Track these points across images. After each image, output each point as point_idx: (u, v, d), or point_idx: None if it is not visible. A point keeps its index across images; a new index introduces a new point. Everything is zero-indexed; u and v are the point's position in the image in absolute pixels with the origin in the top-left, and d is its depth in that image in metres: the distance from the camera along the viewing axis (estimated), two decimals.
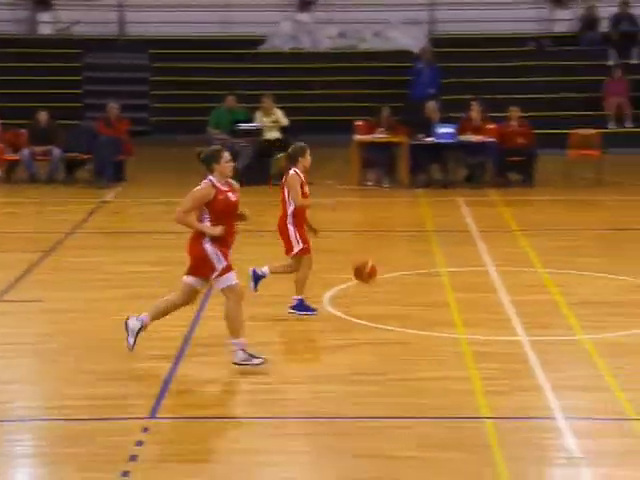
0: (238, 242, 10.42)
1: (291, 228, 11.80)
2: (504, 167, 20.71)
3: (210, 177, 10.17)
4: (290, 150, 12.15)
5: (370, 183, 20.78)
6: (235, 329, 10.12)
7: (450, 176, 20.81)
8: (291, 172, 11.90)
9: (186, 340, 11.06)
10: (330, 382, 9.92)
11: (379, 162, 20.99)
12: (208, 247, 10.08)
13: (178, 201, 10.23)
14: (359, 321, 11.67)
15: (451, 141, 20.46)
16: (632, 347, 10.88)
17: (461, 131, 20.59)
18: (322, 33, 27.74)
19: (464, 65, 26.01)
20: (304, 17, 28.00)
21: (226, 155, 10.21)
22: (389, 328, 11.46)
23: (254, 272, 12.07)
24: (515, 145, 20.60)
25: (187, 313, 11.72)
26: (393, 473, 7.96)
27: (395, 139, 20.87)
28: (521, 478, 8.02)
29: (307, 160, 11.99)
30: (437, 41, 27.01)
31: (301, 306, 11.90)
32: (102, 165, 21.10)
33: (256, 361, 10.13)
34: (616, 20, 25.89)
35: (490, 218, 17.75)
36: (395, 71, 25.94)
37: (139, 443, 8.37)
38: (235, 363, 10.14)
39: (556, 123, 23.15)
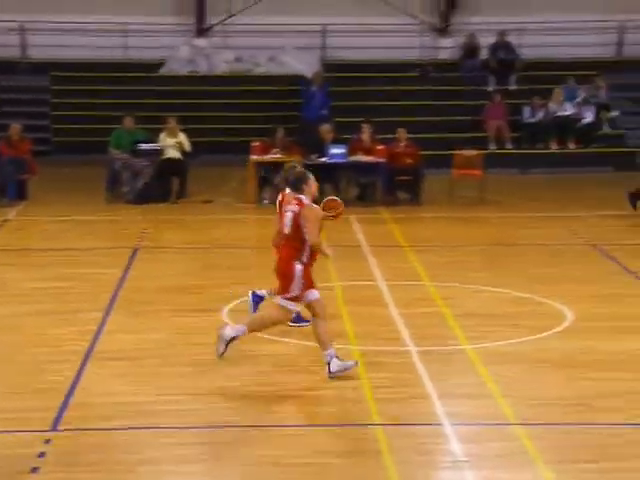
0: (144, 259, 10.35)
1: (299, 269, 11.35)
2: (393, 186, 20.90)
3: (302, 197, 10.25)
4: (292, 177, 11.16)
5: (266, 201, 20.76)
6: (323, 341, 10.21)
7: (342, 195, 20.89)
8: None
9: (89, 353, 10.93)
10: (227, 392, 9.90)
11: (275, 181, 21.01)
12: (298, 270, 10.20)
13: (80, 219, 10.12)
14: (256, 333, 11.65)
15: (343, 161, 20.59)
16: (512, 356, 11.05)
17: (352, 152, 20.74)
18: (219, 58, 27.71)
19: (355, 89, 26.21)
20: (201, 42, 27.96)
21: (312, 176, 10.39)
22: (285, 340, 11.47)
23: (254, 295, 11.97)
24: (403, 165, 20.82)
25: (90, 326, 11.61)
26: None
27: (290, 159, 20.90)
28: None
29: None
30: (329, 66, 27.20)
31: (298, 318, 11.81)
32: (4, 184, 20.79)
33: (350, 363, 10.24)
34: (495, 48, 26.33)
35: (380, 234, 17.88)
36: (289, 94, 26.04)
37: (41, 455, 8.26)
38: (331, 374, 10.15)
39: (441, 144, 23.44)
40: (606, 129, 25.03)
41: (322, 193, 20.78)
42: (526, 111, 24.95)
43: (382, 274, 14.64)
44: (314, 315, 10.39)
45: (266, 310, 10.88)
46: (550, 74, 25.54)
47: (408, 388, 10.03)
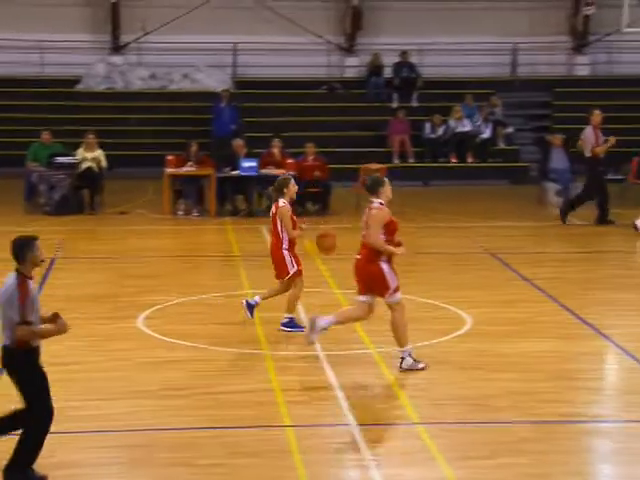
0: (60, 269, 10.21)
1: (286, 253, 11.97)
2: (303, 198, 20.92)
3: (378, 201, 10.44)
4: (276, 183, 12.20)
5: (181, 212, 20.67)
6: (401, 338, 10.52)
7: (254, 206, 20.91)
8: (280, 204, 11.94)
9: None
10: (144, 397, 9.82)
11: (189, 193, 20.92)
12: (385, 267, 10.43)
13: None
14: (171, 340, 11.58)
15: (254, 174, 20.58)
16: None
17: (263, 165, 20.74)
18: (134, 74, 27.51)
19: (265, 105, 26.22)
20: (117, 59, 27.74)
21: (387, 180, 10.61)
22: (199, 345, 11.42)
23: (247, 303, 12.13)
24: (312, 178, 20.88)
25: None
26: None
27: (203, 172, 20.85)
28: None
29: (293, 190, 12.01)
30: (240, 83, 27.19)
31: (292, 324, 11.99)
32: None
33: (420, 365, 10.52)
34: (398, 68, 26.57)
35: None
36: (202, 110, 25.93)
37: None
38: (402, 369, 10.45)
39: (348, 158, 23.56)
40: (502, 144, 25.40)
41: (234, 203, 20.89)
42: (427, 127, 25.21)
43: None
44: (394, 311, 10.60)
45: (353, 307, 10.98)
46: (449, 92, 25.84)
47: (316, 390, 10.05)
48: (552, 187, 21.64)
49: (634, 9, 22.91)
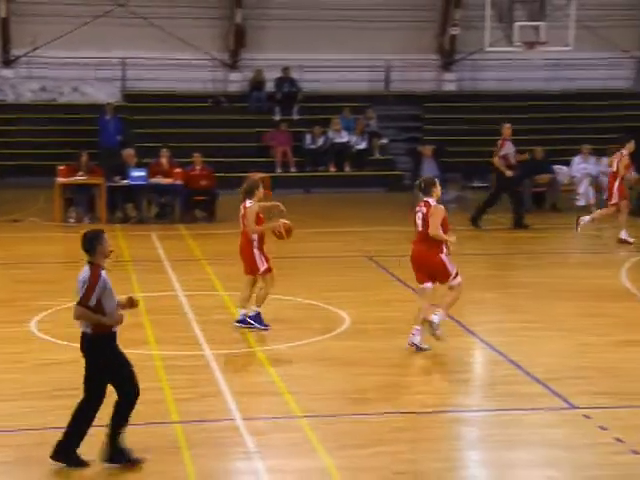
0: None
1: (256, 252, 12.05)
2: (190, 205, 20.86)
3: (430, 200, 11.09)
4: (246, 185, 12.23)
5: (72, 220, 20.35)
6: (448, 308, 11.34)
7: (143, 213, 20.72)
8: (248, 204, 12.06)
9: None
10: (36, 397, 9.65)
11: (79, 201, 20.61)
12: (444, 257, 11.12)
13: None
14: (62, 342, 11.40)
15: (143, 183, 20.39)
16: (298, 356, 11.20)
17: (152, 174, 20.57)
18: (25, 87, 26.97)
19: (154, 117, 25.99)
20: (7, 73, 27.16)
21: (437, 180, 11.28)
22: None
23: (245, 321, 12.05)
24: (199, 187, 20.80)
25: None
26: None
27: (93, 181, 20.57)
28: (206, 473, 8.09)
29: (261, 192, 12.15)
30: (130, 96, 26.89)
31: (258, 319, 12.00)
32: None
33: (438, 332, 11.24)
34: (279, 82, 26.64)
35: (179, 249, 17.78)
36: (91, 122, 25.54)
37: None
38: (435, 335, 11.19)
39: (233, 168, 23.52)
40: (377, 155, 25.67)
41: (125, 211, 20.66)
42: (308, 138, 25.33)
43: (181, 285, 14.57)
44: (452, 290, 11.31)
45: (450, 293, 11.38)
46: (328, 106, 26.01)
47: (204, 388, 10.02)
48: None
49: (495, 30, 23.40)
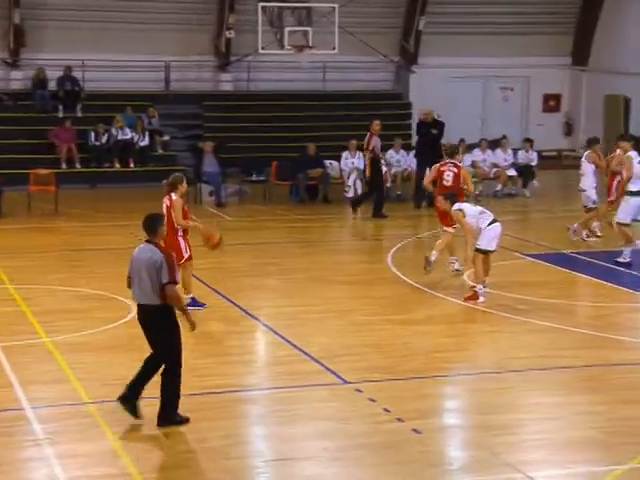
0: None
1: (181, 240, 12.06)
2: None
3: (458, 162, 13.98)
4: (171, 179, 12.40)
5: None
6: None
7: None
8: (174, 197, 12.12)
9: None
10: None
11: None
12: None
13: None
14: None
15: None
16: (86, 344, 10.92)
17: None
18: None
19: None
20: None
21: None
22: None
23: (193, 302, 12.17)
24: None
25: None
26: None
27: None
28: None
29: (184, 187, 12.35)
30: None
31: (195, 302, 12.16)
32: None
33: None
34: (62, 81, 25.81)
35: None
36: None
37: None
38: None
39: (18, 164, 22.62)
40: (160, 151, 25.35)
41: None
42: (92, 135, 24.69)
43: None
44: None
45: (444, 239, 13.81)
46: (111, 104, 25.42)
47: None
48: (206, 188, 21.91)
49: (267, 34, 23.57)
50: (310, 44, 23.19)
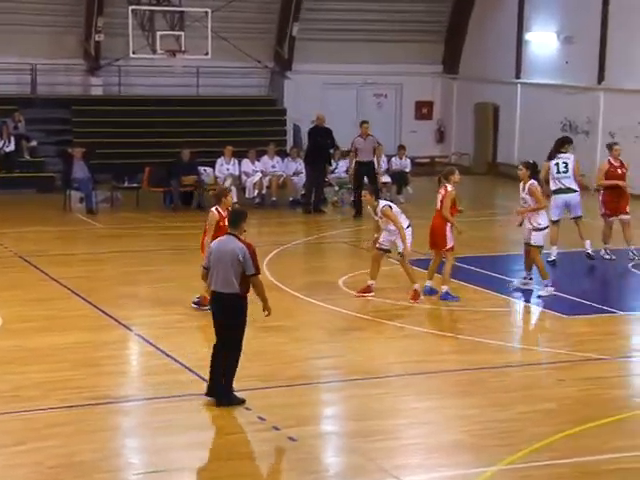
0: None
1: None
2: None
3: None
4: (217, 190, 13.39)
5: None
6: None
7: None
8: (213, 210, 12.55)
9: None
10: None
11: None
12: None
13: None
14: None
15: None
16: None
17: None
18: None
19: None
20: None
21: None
22: None
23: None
24: None
25: None
26: None
27: None
28: None
29: (229, 201, 12.56)
30: None
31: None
32: None
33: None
34: None
35: None
36: None
37: None
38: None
39: None
40: (27, 157, 24.73)
41: None
42: None
43: None
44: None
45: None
46: None
47: None
48: (75, 195, 21.49)
49: (139, 38, 23.28)
50: (183, 49, 23.02)
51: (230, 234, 9.25)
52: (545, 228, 14.08)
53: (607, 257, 16.09)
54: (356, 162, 21.16)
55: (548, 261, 15.26)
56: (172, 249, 17.55)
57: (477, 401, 9.58)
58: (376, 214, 13.60)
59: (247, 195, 21.93)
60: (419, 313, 12.94)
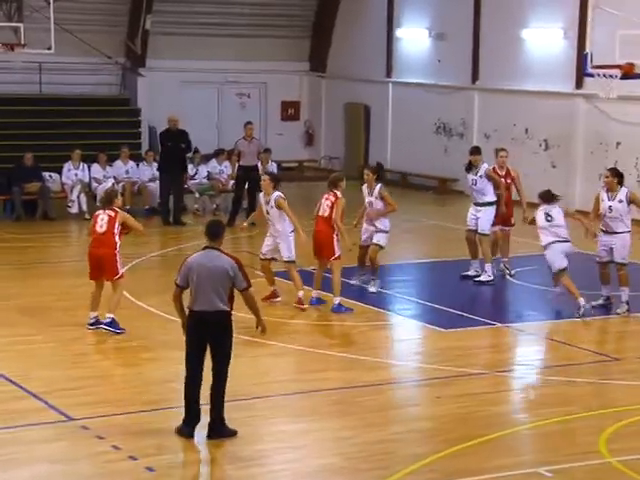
0: None
1: (118, 257, 12.49)
2: None
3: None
4: (105, 195, 13.38)
5: None
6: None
7: None
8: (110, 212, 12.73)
9: None
10: None
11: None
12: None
13: None
14: None
15: None
16: None
17: None
18: None
19: None
20: None
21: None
22: None
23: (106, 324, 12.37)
24: None
25: None
26: None
27: None
28: None
29: (119, 201, 12.99)
30: None
31: (114, 324, 12.28)
32: None
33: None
34: None
35: None
36: None
37: None
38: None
39: None
40: None
41: None
42: None
43: None
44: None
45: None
46: None
47: None
48: None
49: None
50: (22, 42, 22.46)
51: (212, 248, 9.05)
52: (389, 231, 14.87)
53: (507, 271, 16.18)
54: (239, 166, 21.08)
55: (464, 275, 15.73)
56: (14, 264, 17.10)
57: (351, 422, 9.64)
58: (268, 204, 13.75)
59: (97, 203, 21.58)
60: (287, 329, 12.95)
